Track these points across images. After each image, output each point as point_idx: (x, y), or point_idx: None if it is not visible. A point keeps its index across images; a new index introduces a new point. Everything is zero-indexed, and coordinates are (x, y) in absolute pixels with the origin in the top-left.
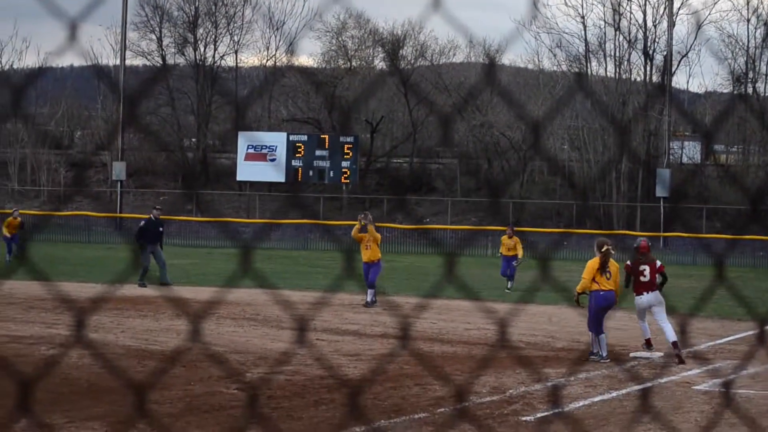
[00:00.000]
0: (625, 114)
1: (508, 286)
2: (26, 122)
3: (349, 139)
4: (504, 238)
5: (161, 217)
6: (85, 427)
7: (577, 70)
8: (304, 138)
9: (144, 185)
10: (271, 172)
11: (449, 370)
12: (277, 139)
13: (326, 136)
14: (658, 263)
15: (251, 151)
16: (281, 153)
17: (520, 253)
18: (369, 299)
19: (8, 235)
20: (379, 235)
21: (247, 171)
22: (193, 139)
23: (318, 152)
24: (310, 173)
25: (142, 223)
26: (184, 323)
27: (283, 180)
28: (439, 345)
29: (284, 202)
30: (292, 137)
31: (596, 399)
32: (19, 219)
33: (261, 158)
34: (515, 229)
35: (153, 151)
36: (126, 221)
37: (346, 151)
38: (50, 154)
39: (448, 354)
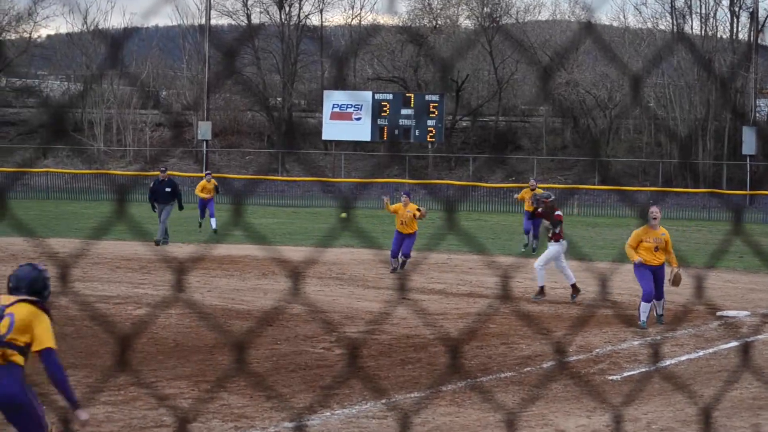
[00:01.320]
0: (713, 72)
1: (528, 243)
2: (115, 81)
3: (434, 98)
4: (525, 192)
5: (167, 176)
6: (173, 386)
7: (663, 27)
8: (390, 96)
9: (229, 144)
10: (357, 131)
11: (536, 329)
12: (363, 98)
13: (411, 95)
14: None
15: (336, 110)
16: (367, 111)
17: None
18: (396, 266)
19: (204, 198)
20: (421, 212)
21: (333, 130)
22: (279, 98)
23: (403, 111)
24: (396, 132)
25: (151, 183)
26: (269, 282)
27: (368, 139)
28: (524, 304)
29: (379, 160)
30: (377, 96)
31: (683, 358)
32: (213, 182)
33: (346, 117)
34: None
35: (238, 110)
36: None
37: (431, 109)
38: (136, 114)
39: (534, 313)
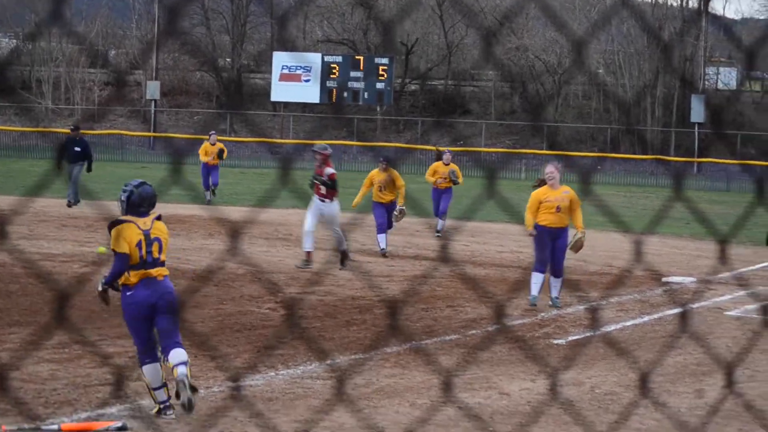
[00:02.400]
0: (661, 39)
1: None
2: (61, 39)
3: (384, 61)
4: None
5: (79, 135)
6: (116, 344)
7: None
8: (339, 59)
9: (178, 105)
10: (306, 93)
11: (482, 292)
12: (312, 60)
13: (361, 58)
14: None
15: (286, 71)
16: (316, 74)
17: None
18: (383, 246)
19: (208, 163)
20: (402, 183)
21: (282, 91)
22: (228, 59)
23: (353, 73)
24: (345, 94)
25: (64, 140)
26: (216, 242)
27: (317, 101)
28: (471, 267)
29: (321, 121)
30: (327, 58)
31: (628, 323)
32: (219, 145)
33: (296, 79)
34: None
35: (187, 70)
36: (160, 140)
37: (380, 72)
38: (84, 73)
39: (480, 276)
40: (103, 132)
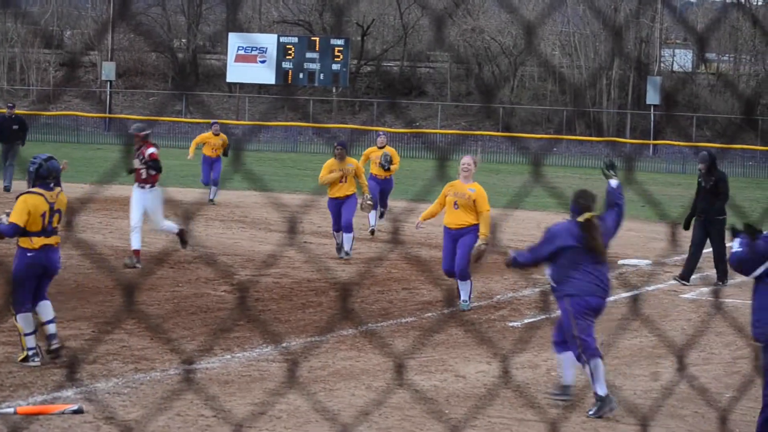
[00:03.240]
0: (617, 20)
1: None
2: (16, 20)
3: (339, 42)
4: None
5: (13, 113)
6: (72, 327)
7: None
8: (295, 40)
9: (133, 86)
10: (261, 74)
11: (437, 275)
12: (268, 41)
13: (317, 39)
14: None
15: (241, 52)
16: (272, 55)
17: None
18: (346, 249)
19: (210, 156)
20: (362, 169)
21: (237, 72)
22: (183, 40)
23: (308, 54)
24: (301, 75)
25: None
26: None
27: (273, 82)
28: (427, 250)
29: (275, 103)
30: (282, 39)
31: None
32: (222, 137)
33: (251, 60)
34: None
35: (143, 51)
36: (115, 121)
37: (336, 53)
38: (39, 54)
39: (436, 259)
40: (58, 113)
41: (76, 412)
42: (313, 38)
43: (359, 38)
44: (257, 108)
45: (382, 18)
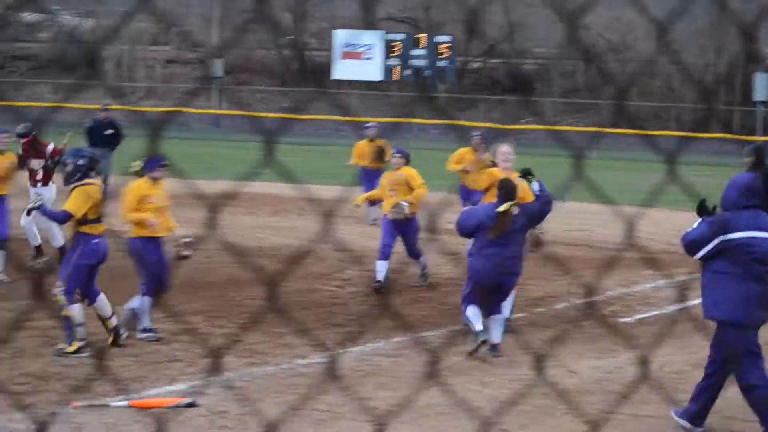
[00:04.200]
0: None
1: None
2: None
3: (446, 39)
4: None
5: (108, 116)
6: (186, 321)
7: None
8: (401, 37)
9: (241, 82)
10: (367, 71)
11: (547, 271)
12: (374, 38)
13: (423, 35)
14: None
15: (347, 49)
16: (377, 52)
17: None
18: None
19: (368, 167)
20: (419, 182)
21: (343, 69)
22: (290, 37)
23: (414, 51)
24: (407, 72)
25: (88, 123)
26: (280, 220)
27: (379, 79)
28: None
29: (382, 99)
30: (388, 36)
31: (696, 302)
32: (378, 143)
33: (357, 56)
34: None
35: (251, 48)
36: (224, 118)
37: (443, 50)
38: (147, 51)
39: (547, 255)
40: (166, 110)
41: (189, 405)
42: (419, 35)
43: (464, 36)
44: (365, 104)
45: (488, 15)
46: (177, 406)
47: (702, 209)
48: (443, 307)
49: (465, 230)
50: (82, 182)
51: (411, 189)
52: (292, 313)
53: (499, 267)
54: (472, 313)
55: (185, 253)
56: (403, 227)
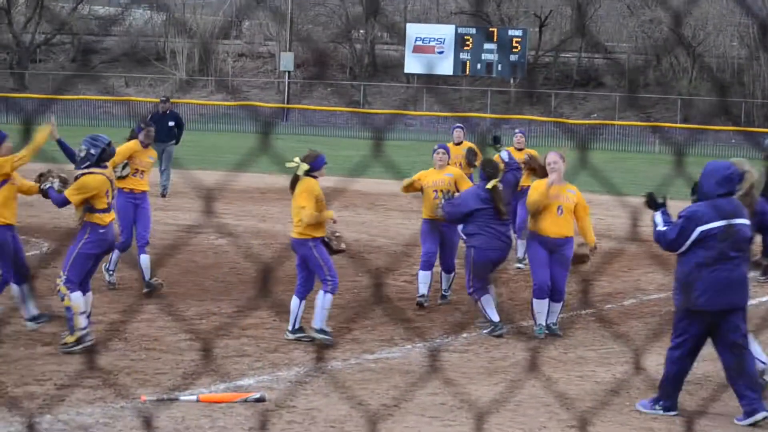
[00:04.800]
0: None
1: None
2: (198, 10)
3: (517, 33)
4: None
5: (170, 108)
6: (254, 316)
7: None
8: (473, 31)
9: (312, 76)
10: (439, 65)
11: (615, 267)
12: (446, 32)
13: (495, 30)
14: None
15: (419, 43)
16: (449, 45)
17: None
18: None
19: None
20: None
21: (415, 63)
22: (362, 31)
23: (486, 45)
24: (478, 66)
25: (149, 116)
26: (350, 215)
27: (451, 73)
28: (606, 241)
29: (452, 94)
30: (460, 30)
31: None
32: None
33: (429, 51)
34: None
35: (321, 42)
36: (292, 112)
37: (514, 44)
38: (218, 44)
39: (614, 251)
40: (237, 104)
41: (258, 400)
42: (491, 29)
43: (537, 29)
44: (436, 98)
45: (559, 9)
46: (246, 401)
47: (652, 202)
48: (512, 303)
49: (457, 218)
50: (89, 171)
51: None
52: (361, 308)
53: (503, 241)
54: (487, 303)
55: (341, 246)
56: (445, 232)
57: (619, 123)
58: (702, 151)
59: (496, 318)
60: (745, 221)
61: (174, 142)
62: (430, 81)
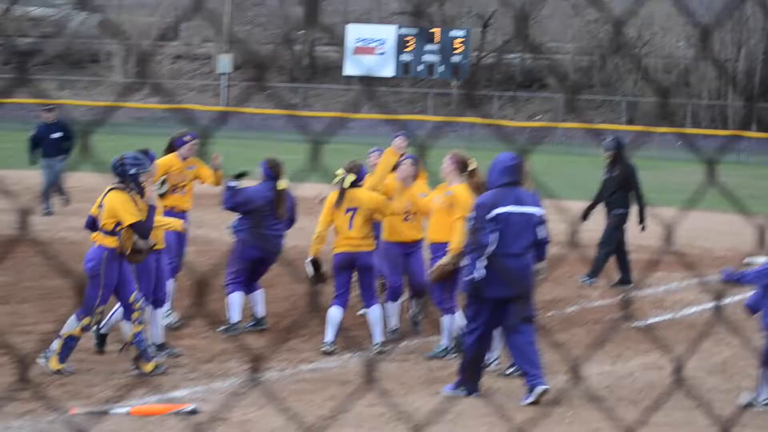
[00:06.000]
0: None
1: None
2: (133, 11)
3: (460, 33)
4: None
5: (56, 118)
6: (189, 325)
7: None
8: (415, 31)
9: (250, 78)
10: (380, 67)
11: (563, 272)
12: (387, 33)
13: (436, 30)
14: None
15: (360, 44)
16: (391, 47)
17: None
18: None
19: None
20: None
21: (355, 65)
22: (301, 32)
23: (427, 47)
24: (419, 68)
25: (33, 131)
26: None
27: (392, 74)
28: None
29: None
30: (401, 30)
31: (709, 305)
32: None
33: (369, 52)
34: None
35: (260, 43)
36: (231, 115)
37: (456, 45)
38: (155, 46)
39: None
40: (174, 107)
41: (191, 412)
42: (433, 30)
43: (480, 29)
44: (376, 101)
45: (503, 9)
46: (178, 413)
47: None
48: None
49: (231, 207)
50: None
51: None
52: (298, 316)
53: (272, 243)
54: (233, 302)
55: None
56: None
57: (564, 125)
58: (648, 154)
59: (235, 318)
60: (534, 210)
61: (62, 157)
62: (371, 83)
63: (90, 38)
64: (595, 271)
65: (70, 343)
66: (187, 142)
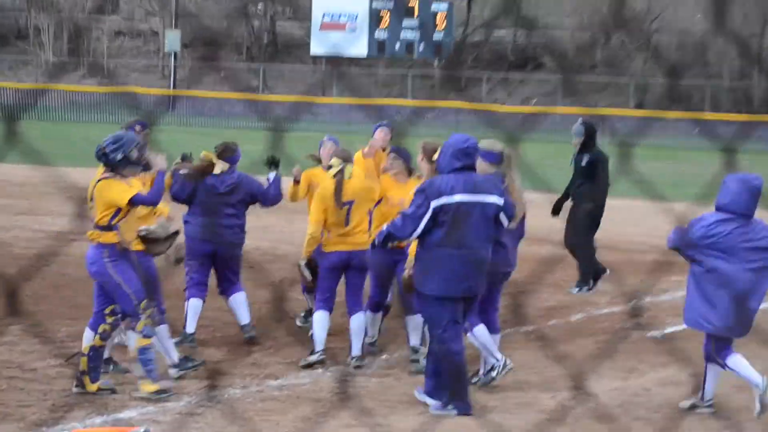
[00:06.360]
0: None
1: None
2: None
3: (442, 6)
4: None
5: None
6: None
7: None
8: (390, 5)
9: (201, 58)
10: (351, 45)
11: (557, 278)
12: (358, 7)
13: (415, 4)
14: None
15: (327, 20)
16: (363, 23)
17: None
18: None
19: None
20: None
21: (323, 43)
22: (260, 5)
23: (406, 22)
24: (397, 46)
25: None
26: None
27: (365, 54)
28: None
29: (367, 78)
30: (375, 4)
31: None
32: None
33: (339, 28)
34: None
35: (213, 18)
36: (180, 98)
37: (438, 21)
38: (91, 20)
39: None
40: (115, 89)
41: None
42: (411, 3)
43: (464, 2)
44: (346, 83)
45: None
46: None
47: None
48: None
49: (181, 199)
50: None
51: None
52: (264, 327)
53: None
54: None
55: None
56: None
57: (561, 110)
58: (661, 143)
59: (189, 329)
60: (492, 198)
61: None
62: (341, 63)
63: (15, 10)
64: (584, 278)
65: (145, 354)
66: (138, 133)
